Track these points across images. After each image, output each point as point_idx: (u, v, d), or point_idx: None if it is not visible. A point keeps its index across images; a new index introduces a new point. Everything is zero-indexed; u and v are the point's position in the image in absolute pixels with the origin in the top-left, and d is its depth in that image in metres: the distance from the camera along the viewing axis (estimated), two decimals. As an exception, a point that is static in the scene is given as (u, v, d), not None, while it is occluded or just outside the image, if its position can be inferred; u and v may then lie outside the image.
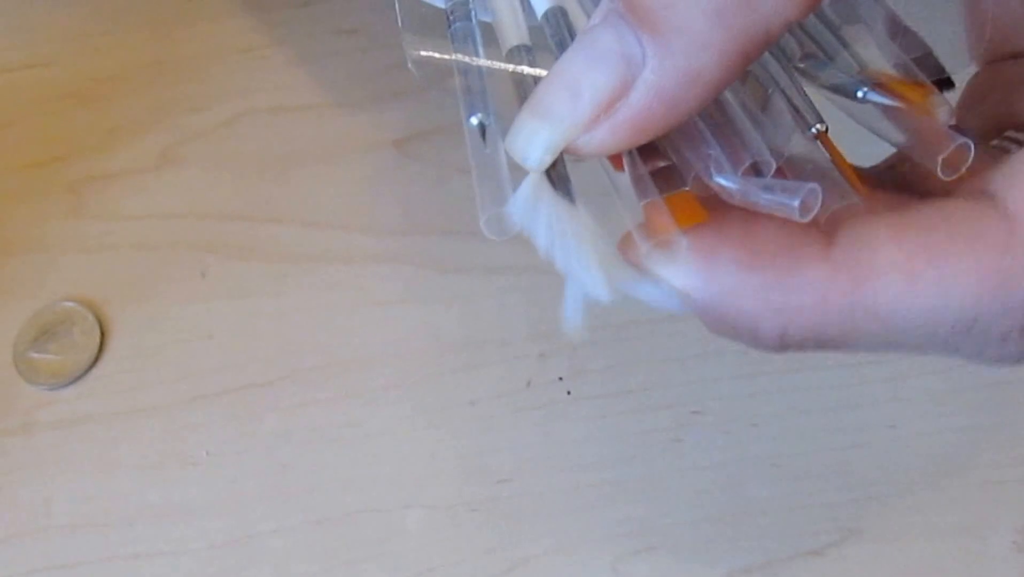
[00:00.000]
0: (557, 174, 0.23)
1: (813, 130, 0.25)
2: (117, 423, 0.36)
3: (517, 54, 0.26)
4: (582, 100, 0.22)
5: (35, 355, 0.37)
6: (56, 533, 0.35)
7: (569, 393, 0.37)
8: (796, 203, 0.22)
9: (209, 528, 0.35)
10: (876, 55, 0.26)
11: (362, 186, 0.41)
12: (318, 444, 0.36)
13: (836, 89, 0.26)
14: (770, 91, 0.26)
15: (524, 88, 0.25)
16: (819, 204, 0.22)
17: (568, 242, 0.23)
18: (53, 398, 0.37)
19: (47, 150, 0.41)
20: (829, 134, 0.25)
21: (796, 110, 0.25)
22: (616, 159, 0.23)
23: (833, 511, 0.35)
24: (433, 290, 0.38)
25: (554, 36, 0.26)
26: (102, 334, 0.38)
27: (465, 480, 0.36)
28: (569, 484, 0.36)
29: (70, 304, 0.38)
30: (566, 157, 0.23)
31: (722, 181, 0.23)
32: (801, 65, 0.26)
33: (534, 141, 0.22)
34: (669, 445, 0.36)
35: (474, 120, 0.24)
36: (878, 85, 0.25)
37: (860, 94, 0.25)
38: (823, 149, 0.25)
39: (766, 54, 0.26)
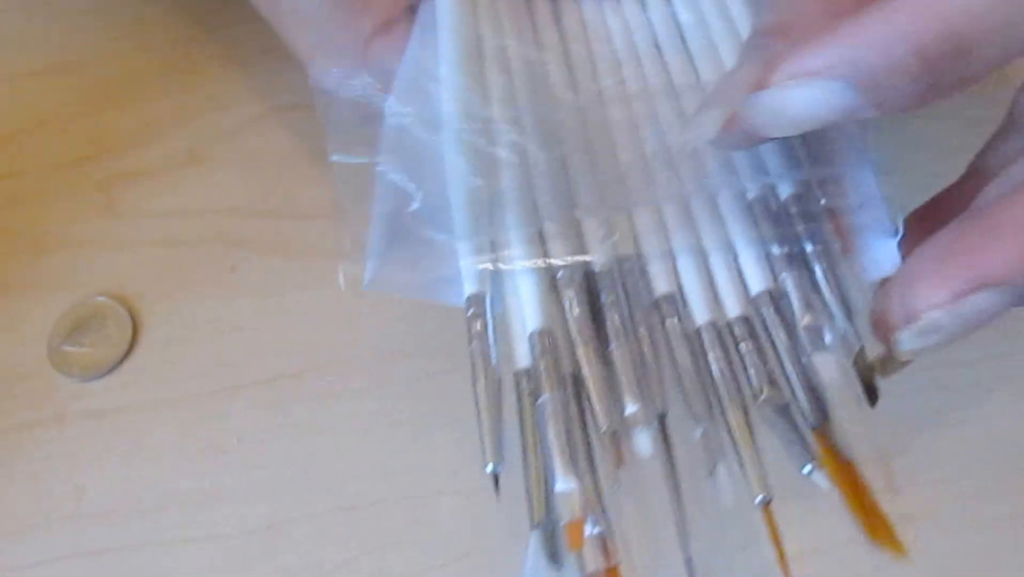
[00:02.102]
0: (551, 545, 0.25)
1: (757, 500, 0.26)
2: (149, 413, 0.37)
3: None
4: None
5: (69, 348, 0.38)
6: (88, 521, 0.35)
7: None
8: None
9: (240, 515, 0.35)
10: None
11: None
12: (347, 433, 0.36)
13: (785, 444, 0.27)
14: (716, 462, 0.26)
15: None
16: None
17: None
18: (86, 390, 0.37)
19: (76, 150, 0.42)
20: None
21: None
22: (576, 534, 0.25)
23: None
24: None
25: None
26: (134, 327, 0.38)
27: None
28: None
29: (103, 299, 0.39)
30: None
31: None
32: (761, 401, 0.27)
33: None
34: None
35: (489, 468, 0.26)
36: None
37: (805, 470, 0.26)
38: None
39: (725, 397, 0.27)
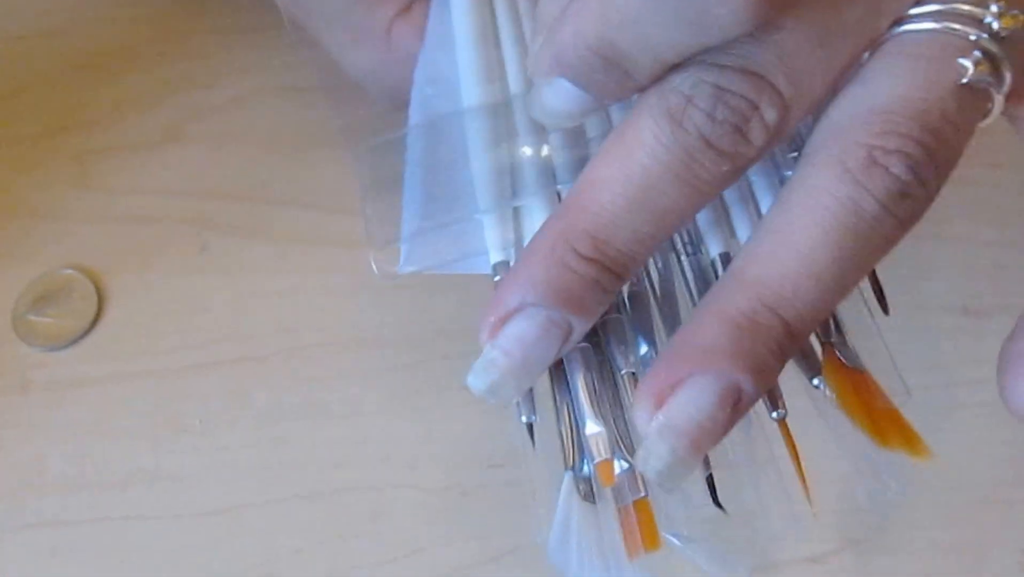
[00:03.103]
0: (586, 490, 0.27)
1: (773, 415, 0.27)
2: (111, 387, 0.37)
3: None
4: None
5: (33, 318, 0.37)
6: (50, 491, 0.35)
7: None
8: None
9: (198, 496, 0.35)
10: None
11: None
12: (310, 420, 0.36)
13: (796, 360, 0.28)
14: None
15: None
16: None
17: (595, 557, 0.26)
18: (49, 360, 0.37)
19: (55, 120, 0.42)
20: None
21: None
22: (606, 472, 0.26)
23: (832, 520, 0.35)
24: (431, 277, 0.38)
25: None
26: (100, 301, 0.38)
27: (457, 464, 0.36)
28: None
29: (70, 271, 0.38)
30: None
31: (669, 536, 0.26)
32: None
33: None
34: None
35: (524, 419, 0.27)
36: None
37: (814, 382, 0.28)
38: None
39: None
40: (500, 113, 0.30)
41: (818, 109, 0.26)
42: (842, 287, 0.24)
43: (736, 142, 0.24)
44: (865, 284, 0.29)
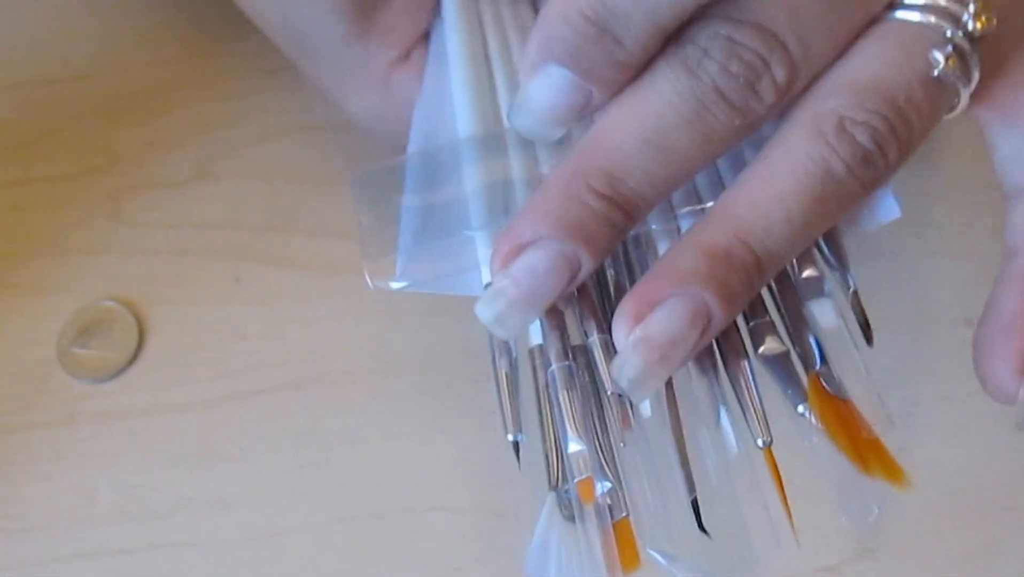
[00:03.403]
0: (566, 503, 0.27)
1: (759, 443, 0.28)
2: (155, 417, 0.38)
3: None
4: None
5: (78, 350, 0.39)
6: (101, 521, 0.36)
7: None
8: None
9: (243, 521, 0.36)
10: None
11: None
12: (346, 444, 0.38)
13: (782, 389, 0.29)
14: (719, 411, 0.29)
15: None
16: None
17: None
18: (95, 392, 0.38)
19: (88, 160, 0.43)
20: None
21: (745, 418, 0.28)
22: (586, 489, 0.27)
23: (847, 530, 0.37)
24: (461, 301, 0.40)
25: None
26: (140, 333, 0.39)
27: (490, 485, 0.37)
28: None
29: (110, 303, 0.39)
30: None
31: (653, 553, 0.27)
32: (762, 351, 0.29)
33: None
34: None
35: (510, 438, 0.28)
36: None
37: (800, 410, 0.29)
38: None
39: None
40: (492, 137, 0.31)
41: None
42: (808, 232, 0.27)
43: (747, 96, 0.26)
44: (850, 315, 0.30)
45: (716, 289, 0.26)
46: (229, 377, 0.39)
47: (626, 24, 0.26)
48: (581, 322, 0.29)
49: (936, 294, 0.41)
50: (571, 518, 0.27)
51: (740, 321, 0.29)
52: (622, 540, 0.27)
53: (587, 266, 0.26)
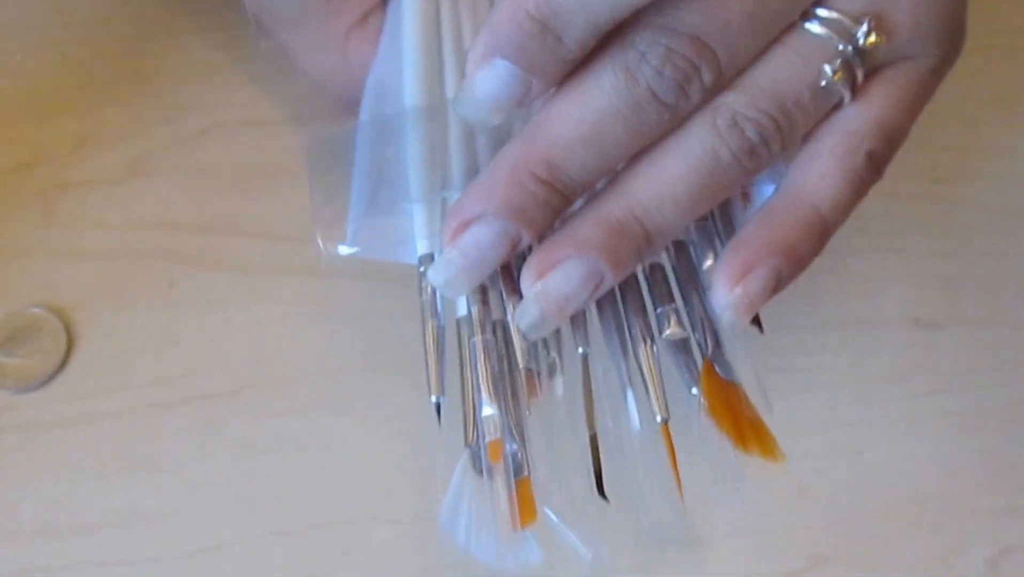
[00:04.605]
0: (478, 461, 0.30)
1: (658, 419, 0.31)
2: (83, 428, 0.37)
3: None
4: None
5: (3, 359, 0.37)
6: (24, 538, 0.35)
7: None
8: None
9: (174, 537, 0.35)
10: None
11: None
12: (283, 454, 0.37)
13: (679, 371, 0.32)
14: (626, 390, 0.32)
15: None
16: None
17: (483, 527, 0.30)
18: (19, 402, 0.37)
19: (18, 157, 0.41)
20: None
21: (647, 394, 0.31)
22: (495, 450, 0.30)
23: (801, 536, 0.36)
24: (400, 305, 0.39)
25: None
26: (69, 340, 0.38)
27: (433, 495, 0.36)
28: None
29: (38, 310, 0.38)
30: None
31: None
32: (665, 336, 0.32)
33: None
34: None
35: (432, 400, 0.31)
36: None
37: (693, 392, 0.32)
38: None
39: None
40: (436, 112, 0.34)
41: None
42: (694, 211, 0.30)
43: (678, 96, 0.29)
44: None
45: (608, 256, 0.30)
46: (161, 385, 0.38)
47: (568, 25, 0.28)
48: (503, 298, 0.31)
49: (885, 294, 0.41)
50: (482, 473, 0.30)
51: (649, 307, 0.32)
52: (523, 497, 0.30)
53: (526, 240, 0.30)
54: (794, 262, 0.31)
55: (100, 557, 0.35)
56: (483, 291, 0.32)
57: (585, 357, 0.31)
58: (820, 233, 0.31)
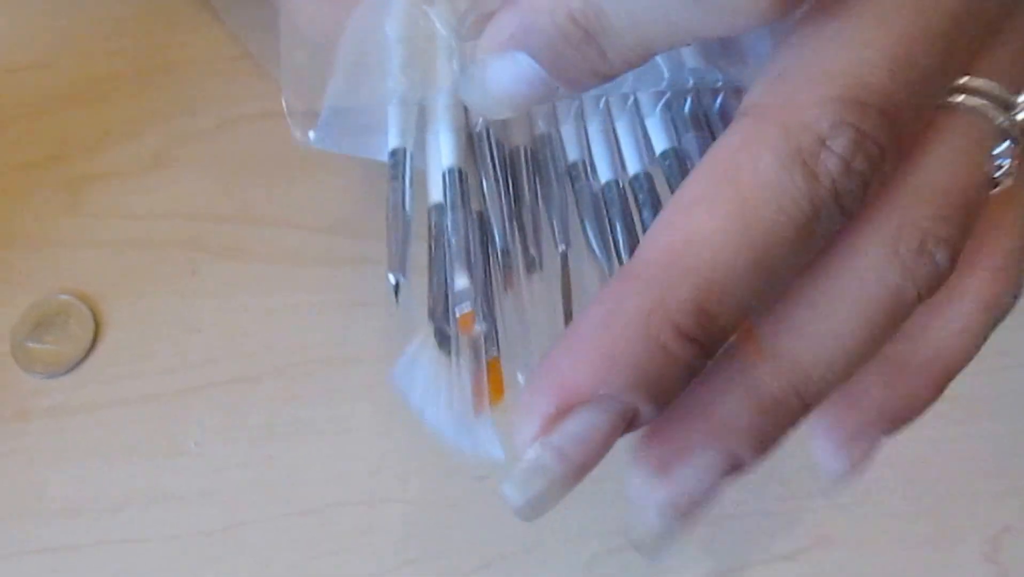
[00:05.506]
0: (442, 334, 0.27)
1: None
2: (109, 412, 0.38)
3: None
4: None
5: (32, 345, 0.39)
6: (50, 517, 0.36)
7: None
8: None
9: (196, 516, 0.36)
10: None
11: (347, 191, 0.42)
12: (301, 437, 0.38)
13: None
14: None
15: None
16: None
17: (441, 402, 0.26)
18: (48, 386, 0.38)
19: (45, 149, 0.43)
20: None
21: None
22: (467, 322, 0.27)
23: (804, 517, 0.37)
24: (416, 294, 0.40)
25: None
26: (96, 326, 0.39)
27: (444, 476, 0.37)
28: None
29: (66, 297, 0.39)
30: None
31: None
32: None
33: None
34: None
35: (391, 277, 0.28)
36: None
37: None
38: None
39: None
40: (419, 15, 0.29)
41: None
42: (856, 370, 0.23)
43: (856, 200, 0.21)
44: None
45: (755, 444, 0.22)
46: (184, 370, 0.39)
47: (616, 41, 0.22)
48: (483, 188, 0.29)
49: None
50: (443, 345, 0.27)
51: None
52: (493, 376, 0.26)
53: (645, 419, 0.21)
54: (907, 421, 0.25)
55: (124, 535, 0.36)
56: (461, 173, 0.29)
57: (564, 255, 0.28)
58: (942, 387, 0.25)
